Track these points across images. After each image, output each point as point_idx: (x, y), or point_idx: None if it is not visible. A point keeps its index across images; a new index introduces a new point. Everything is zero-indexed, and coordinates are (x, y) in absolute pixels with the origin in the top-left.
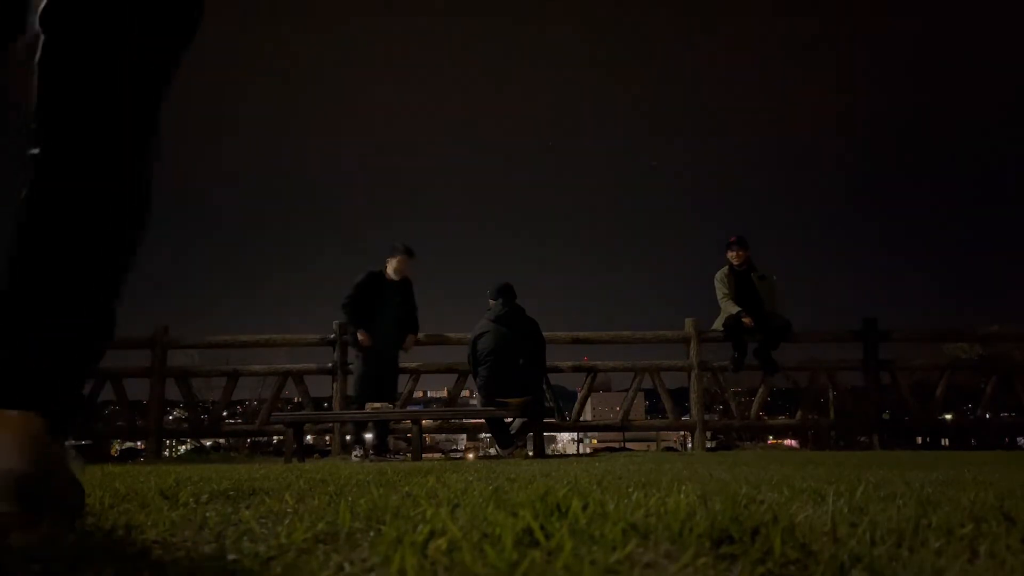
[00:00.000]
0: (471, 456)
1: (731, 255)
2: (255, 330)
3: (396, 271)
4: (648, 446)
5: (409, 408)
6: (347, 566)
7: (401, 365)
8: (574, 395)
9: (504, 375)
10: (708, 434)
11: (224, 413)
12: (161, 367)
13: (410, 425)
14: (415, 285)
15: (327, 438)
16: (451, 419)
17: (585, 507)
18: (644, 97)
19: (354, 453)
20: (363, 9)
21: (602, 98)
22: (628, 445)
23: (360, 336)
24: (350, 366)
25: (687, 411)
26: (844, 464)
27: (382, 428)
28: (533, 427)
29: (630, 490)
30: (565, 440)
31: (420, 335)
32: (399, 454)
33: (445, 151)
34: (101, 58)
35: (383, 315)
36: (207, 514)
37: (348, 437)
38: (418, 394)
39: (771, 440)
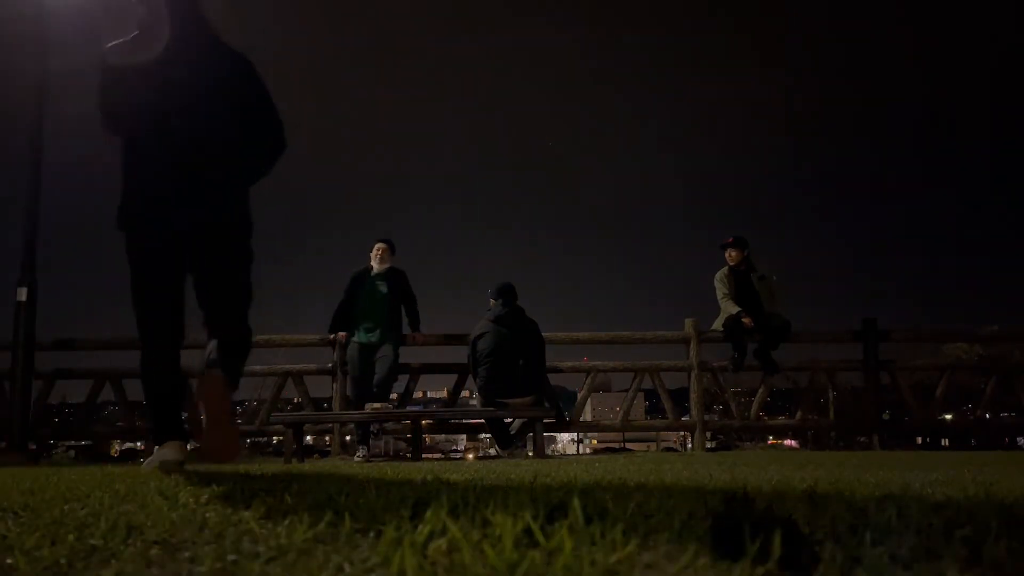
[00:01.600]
0: (471, 456)
1: (727, 255)
2: (254, 330)
3: (376, 259)
4: (648, 446)
5: (409, 408)
6: (347, 566)
7: (401, 363)
8: (574, 395)
9: (504, 376)
10: (708, 434)
11: None
12: None
13: (410, 425)
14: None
15: (327, 438)
16: (451, 419)
17: (585, 507)
18: (644, 95)
19: (357, 454)
20: (363, 8)
21: (602, 98)
22: (628, 445)
23: (337, 336)
24: (346, 367)
25: (687, 411)
26: (844, 464)
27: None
28: (533, 427)
29: (630, 490)
30: (565, 440)
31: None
32: (401, 454)
33: (445, 150)
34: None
35: (368, 310)
36: (207, 514)
37: (348, 438)
38: (418, 394)
39: (771, 440)
